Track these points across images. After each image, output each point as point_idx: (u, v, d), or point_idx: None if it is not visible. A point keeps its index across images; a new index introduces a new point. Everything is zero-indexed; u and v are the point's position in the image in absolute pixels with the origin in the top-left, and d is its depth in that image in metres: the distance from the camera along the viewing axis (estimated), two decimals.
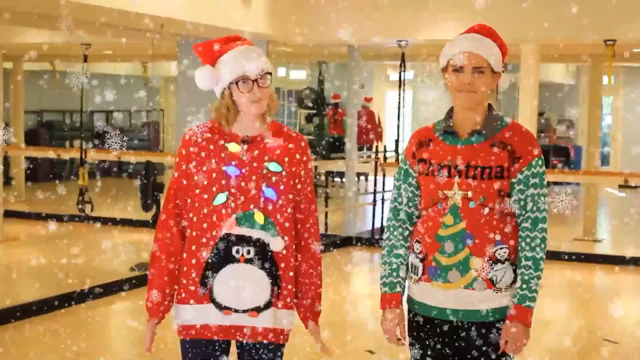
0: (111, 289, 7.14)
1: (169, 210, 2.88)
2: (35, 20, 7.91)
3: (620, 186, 10.80)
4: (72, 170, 10.33)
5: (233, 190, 2.81)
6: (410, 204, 2.89)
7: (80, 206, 10.06)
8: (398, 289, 2.89)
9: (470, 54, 2.76)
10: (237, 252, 2.81)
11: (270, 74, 2.87)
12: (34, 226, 10.39)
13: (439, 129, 2.86)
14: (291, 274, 2.88)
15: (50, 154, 12.61)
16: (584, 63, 13.81)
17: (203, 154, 2.84)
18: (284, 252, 2.85)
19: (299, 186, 2.91)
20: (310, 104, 15.13)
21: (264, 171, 2.83)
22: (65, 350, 5.56)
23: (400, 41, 9.43)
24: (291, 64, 17.33)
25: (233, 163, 2.83)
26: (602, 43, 8.74)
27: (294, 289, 2.90)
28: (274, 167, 2.85)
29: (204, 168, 2.84)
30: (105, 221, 10.23)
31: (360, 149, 13.47)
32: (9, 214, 10.50)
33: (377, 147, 12.58)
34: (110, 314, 6.87)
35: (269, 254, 2.83)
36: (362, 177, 15.53)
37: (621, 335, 6.37)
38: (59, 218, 10.55)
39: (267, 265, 2.82)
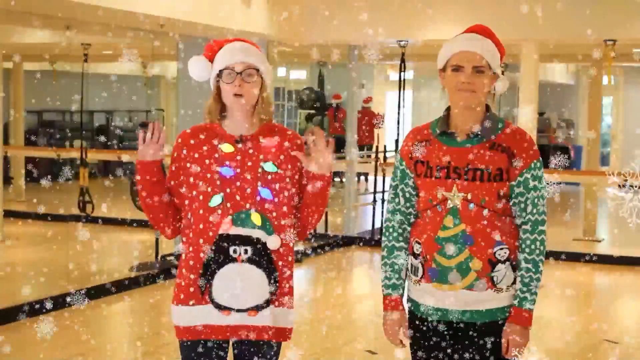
0: (111, 289, 7.14)
1: None
2: (35, 20, 7.90)
3: (620, 186, 10.79)
4: (72, 171, 10.34)
5: (228, 191, 2.82)
6: (408, 204, 2.89)
7: (81, 206, 10.06)
8: (400, 290, 2.89)
9: (469, 53, 2.75)
10: (235, 252, 2.81)
11: (258, 70, 2.87)
12: (34, 226, 10.39)
13: (435, 130, 2.85)
14: (290, 272, 2.89)
15: (50, 154, 12.60)
16: (584, 63, 13.82)
17: (196, 155, 2.85)
18: (281, 250, 2.85)
19: (303, 181, 2.91)
20: (310, 104, 15.13)
21: (259, 170, 2.84)
22: (65, 350, 5.56)
23: (400, 41, 9.43)
24: (291, 64, 17.31)
25: (227, 163, 2.84)
26: (602, 43, 8.74)
27: (292, 287, 2.90)
28: (269, 167, 2.85)
29: (198, 169, 2.84)
30: (105, 221, 10.22)
31: (360, 149, 13.47)
32: (9, 214, 10.50)
33: (377, 147, 12.57)
34: (110, 314, 6.87)
35: (267, 252, 2.83)
36: (362, 177, 15.53)
37: (621, 335, 6.37)
38: (59, 218, 10.55)
39: (265, 264, 2.83)
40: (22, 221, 10.72)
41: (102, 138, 16.34)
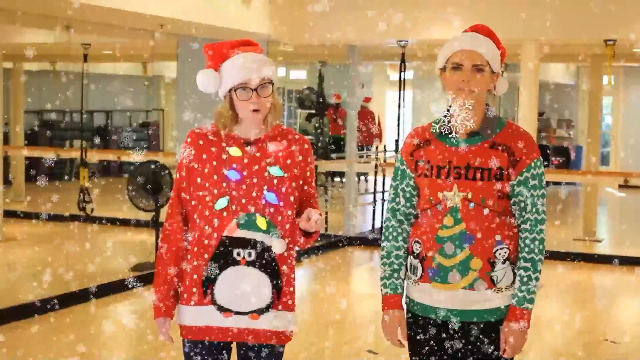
0: (111, 289, 7.14)
1: (173, 211, 2.90)
2: (35, 20, 7.90)
3: (620, 186, 10.81)
4: (72, 171, 10.36)
5: (234, 194, 2.81)
6: (408, 204, 2.89)
7: (81, 206, 10.06)
8: (399, 290, 2.89)
9: (470, 51, 2.75)
10: (239, 254, 2.81)
11: (273, 83, 2.85)
12: (34, 226, 10.39)
13: (436, 129, 2.85)
14: (293, 275, 2.89)
15: (51, 154, 12.60)
16: (584, 63, 13.81)
17: (204, 156, 2.84)
18: (285, 254, 2.86)
19: (305, 187, 2.92)
20: (310, 104, 15.12)
21: (265, 174, 2.84)
22: (65, 351, 5.56)
23: (400, 41, 9.43)
24: (291, 64, 17.32)
25: (234, 166, 2.83)
26: (602, 43, 8.74)
27: (294, 291, 2.91)
28: (275, 171, 2.84)
29: (205, 170, 2.84)
30: (105, 221, 10.22)
31: (360, 149, 13.48)
32: (9, 214, 10.50)
33: (377, 147, 12.57)
34: (110, 314, 6.87)
35: (270, 256, 2.83)
36: (362, 177, 15.53)
37: (621, 335, 6.37)
38: (59, 218, 10.55)
39: (268, 267, 2.83)
40: (22, 221, 10.72)
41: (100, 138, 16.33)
